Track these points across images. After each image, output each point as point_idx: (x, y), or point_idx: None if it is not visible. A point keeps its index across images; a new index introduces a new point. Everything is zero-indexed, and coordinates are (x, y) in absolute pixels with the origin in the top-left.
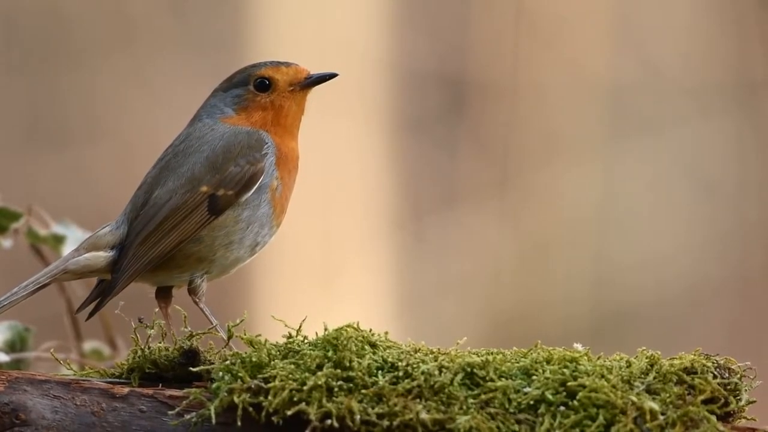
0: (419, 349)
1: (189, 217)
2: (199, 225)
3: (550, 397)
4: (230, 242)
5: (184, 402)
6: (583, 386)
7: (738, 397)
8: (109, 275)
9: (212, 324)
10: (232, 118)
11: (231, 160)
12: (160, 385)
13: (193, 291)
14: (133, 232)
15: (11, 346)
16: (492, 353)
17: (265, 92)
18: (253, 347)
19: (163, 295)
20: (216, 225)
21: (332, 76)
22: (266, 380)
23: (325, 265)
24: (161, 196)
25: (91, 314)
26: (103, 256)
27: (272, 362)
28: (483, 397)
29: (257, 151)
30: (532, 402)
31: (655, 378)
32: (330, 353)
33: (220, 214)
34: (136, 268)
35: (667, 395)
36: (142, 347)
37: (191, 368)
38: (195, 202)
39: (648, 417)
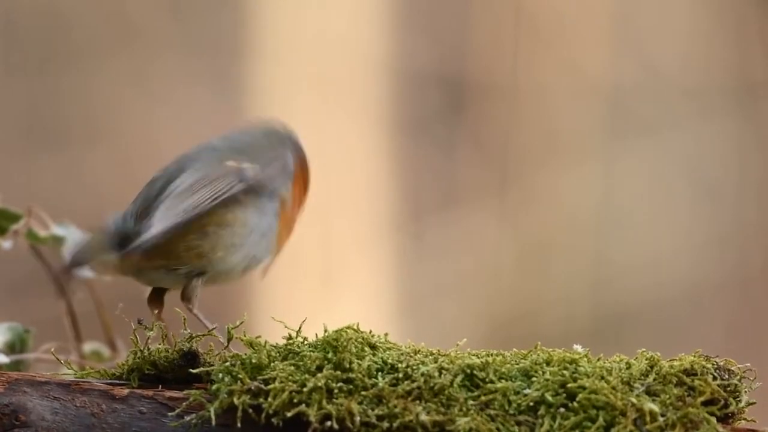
0: (419, 350)
1: (220, 179)
2: (230, 187)
3: (549, 398)
4: (232, 244)
5: (184, 403)
6: (583, 388)
7: (738, 399)
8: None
9: (208, 328)
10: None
11: (264, 147)
12: (160, 386)
13: (186, 297)
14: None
15: (11, 348)
16: (492, 355)
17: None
18: (253, 349)
19: (156, 300)
20: (224, 222)
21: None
22: (266, 382)
23: (324, 266)
24: (187, 176)
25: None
26: None
27: (272, 364)
28: (483, 398)
29: (284, 146)
30: (531, 403)
31: (654, 379)
32: (330, 355)
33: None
34: (175, 212)
35: (667, 397)
36: (142, 348)
37: (191, 370)
38: (226, 171)
39: (648, 418)
